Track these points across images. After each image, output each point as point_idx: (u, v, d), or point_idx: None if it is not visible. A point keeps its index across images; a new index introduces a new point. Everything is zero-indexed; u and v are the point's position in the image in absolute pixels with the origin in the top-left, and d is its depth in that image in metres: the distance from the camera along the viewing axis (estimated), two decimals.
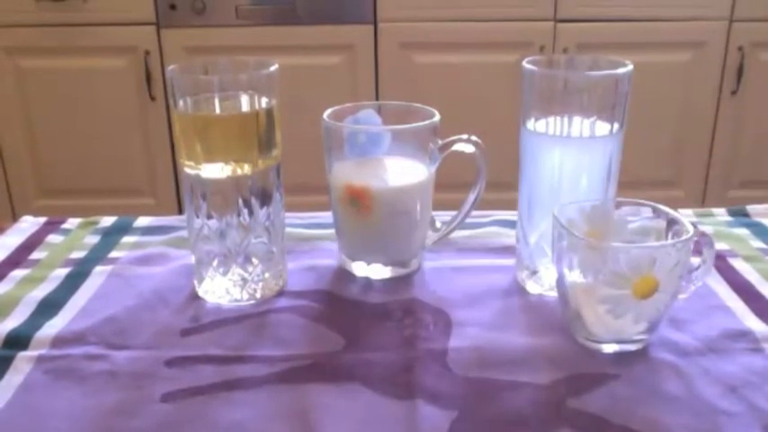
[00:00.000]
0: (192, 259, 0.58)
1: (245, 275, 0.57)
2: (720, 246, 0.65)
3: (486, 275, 0.61)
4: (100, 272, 0.62)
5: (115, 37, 1.82)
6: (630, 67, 0.54)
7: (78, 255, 0.66)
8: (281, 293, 0.59)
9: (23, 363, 0.50)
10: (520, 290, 0.59)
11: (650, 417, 0.44)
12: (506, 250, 0.65)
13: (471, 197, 0.62)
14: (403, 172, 0.60)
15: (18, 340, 0.52)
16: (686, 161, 1.99)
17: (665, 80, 1.88)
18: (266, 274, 0.58)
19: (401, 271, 0.62)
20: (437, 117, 0.59)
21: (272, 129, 0.56)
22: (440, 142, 0.60)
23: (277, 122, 0.56)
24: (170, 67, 0.54)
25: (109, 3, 1.79)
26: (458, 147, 0.60)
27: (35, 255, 0.66)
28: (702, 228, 0.57)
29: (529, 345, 0.52)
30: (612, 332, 0.50)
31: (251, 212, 0.56)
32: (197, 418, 0.45)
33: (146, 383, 0.48)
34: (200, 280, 0.58)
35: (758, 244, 0.67)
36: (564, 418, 0.44)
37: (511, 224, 0.69)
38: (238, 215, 0.55)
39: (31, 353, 0.51)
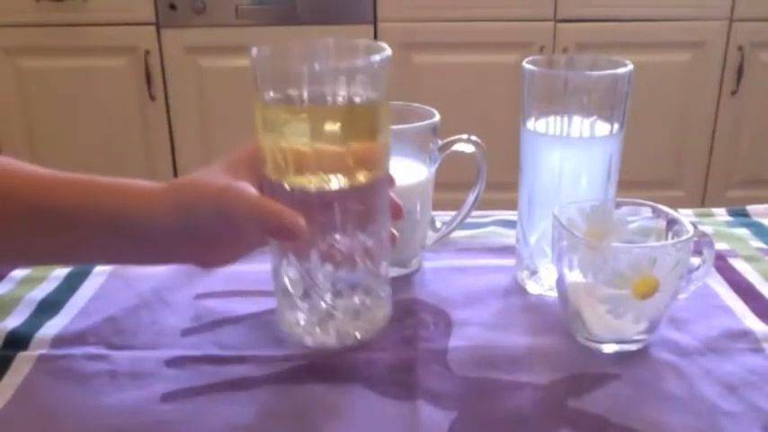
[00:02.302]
0: (273, 288, 0.49)
1: (333, 312, 0.47)
2: (720, 246, 0.65)
3: (487, 275, 0.61)
4: (100, 272, 0.62)
5: (115, 37, 1.82)
6: (630, 67, 0.54)
7: None
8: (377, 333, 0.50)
9: (23, 363, 0.50)
10: (520, 290, 0.59)
11: (651, 417, 0.44)
12: (506, 250, 0.65)
13: (471, 197, 0.62)
14: (403, 172, 0.60)
15: (18, 340, 0.52)
16: (686, 161, 1.99)
17: (665, 80, 1.88)
18: (362, 309, 0.48)
19: (401, 271, 0.62)
20: (437, 117, 0.59)
21: (375, 131, 0.45)
22: (440, 142, 0.60)
23: (383, 125, 0.45)
24: (254, 49, 0.43)
25: (109, 3, 1.79)
26: (458, 147, 0.60)
27: None
28: (702, 228, 0.57)
29: (529, 345, 0.52)
30: (613, 332, 0.50)
31: (346, 235, 0.45)
32: (197, 418, 0.45)
33: (146, 383, 0.48)
34: (282, 314, 0.50)
35: (758, 244, 0.67)
36: (564, 418, 0.44)
37: (511, 224, 0.69)
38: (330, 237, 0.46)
39: (31, 353, 0.51)
